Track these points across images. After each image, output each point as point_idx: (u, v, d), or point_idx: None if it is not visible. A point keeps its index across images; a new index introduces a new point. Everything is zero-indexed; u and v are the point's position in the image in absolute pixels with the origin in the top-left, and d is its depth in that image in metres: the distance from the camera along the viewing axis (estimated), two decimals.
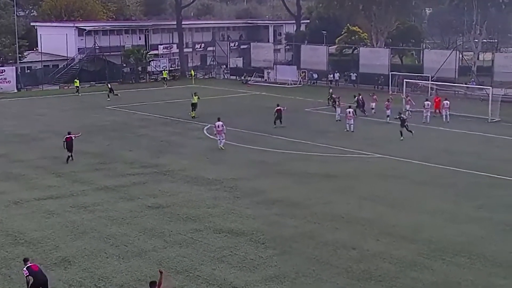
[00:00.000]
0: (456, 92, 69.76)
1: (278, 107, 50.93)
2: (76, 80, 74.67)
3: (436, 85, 67.29)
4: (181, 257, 23.48)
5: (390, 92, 70.89)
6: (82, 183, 34.09)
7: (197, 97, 55.02)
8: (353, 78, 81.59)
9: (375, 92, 57.64)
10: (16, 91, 76.03)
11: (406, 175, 35.76)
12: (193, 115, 54.03)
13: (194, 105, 54.53)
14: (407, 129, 45.10)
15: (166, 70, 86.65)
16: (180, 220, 27.75)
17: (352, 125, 48.75)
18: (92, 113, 58.78)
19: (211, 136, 45.90)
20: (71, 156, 38.81)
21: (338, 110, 53.33)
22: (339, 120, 52.44)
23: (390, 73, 75.40)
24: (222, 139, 42.57)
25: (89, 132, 48.83)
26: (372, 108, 55.41)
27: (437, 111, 55.51)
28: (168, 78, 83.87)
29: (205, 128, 49.79)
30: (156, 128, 50.91)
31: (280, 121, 49.87)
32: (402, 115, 45.84)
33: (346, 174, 36.00)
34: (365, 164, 38.80)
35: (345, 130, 48.80)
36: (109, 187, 33.21)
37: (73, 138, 39.11)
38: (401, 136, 44.97)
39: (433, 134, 48.73)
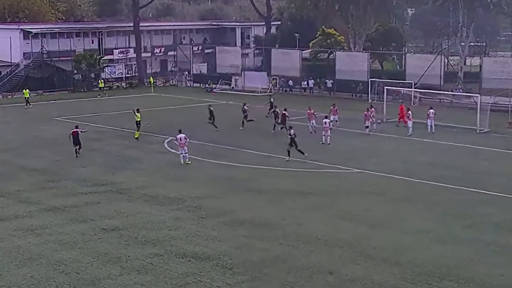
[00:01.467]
0: (442, 100, 70.45)
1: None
2: (25, 90, 72.90)
3: (420, 92, 68.11)
4: (140, 285, 23.34)
5: (370, 100, 71.52)
6: (28, 203, 33.76)
7: (139, 114, 51.58)
8: (329, 85, 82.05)
9: (335, 103, 57.66)
10: None
11: (387, 191, 35.98)
12: (137, 135, 50.89)
13: (138, 124, 51.16)
14: (296, 149, 43.74)
15: (102, 79, 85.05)
16: (139, 244, 27.59)
17: (328, 137, 49.00)
18: (40, 125, 58.30)
19: (172, 150, 45.79)
20: (79, 150, 44.43)
21: (313, 121, 53.56)
22: (314, 132, 52.67)
23: (369, 79, 75.96)
24: (185, 153, 42.54)
25: (35, 147, 48.55)
26: (336, 121, 55.48)
27: (401, 121, 56.17)
28: (104, 88, 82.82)
29: (166, 141, 49.65)
30: (111, 142, 50.66)
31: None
32: (291, 132, 44.23)
33: (322, 191, 36.11)
34: (343, 180, 38.97)
35: (321, 142, 49.02)
36: (58, 207, 32.92)
37: (80, 132, 44.47)
38: (288, 156, 43.54)
39: (417, 146, 49.18)
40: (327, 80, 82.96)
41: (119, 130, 55.47)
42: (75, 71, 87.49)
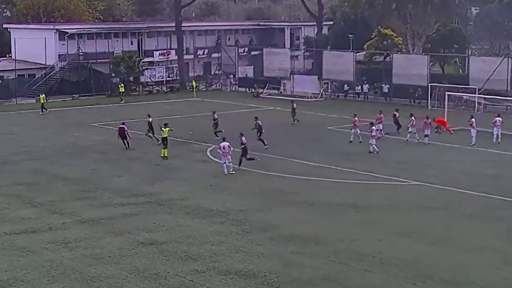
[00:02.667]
0: (509, 107, 69.61)
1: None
2: (41, 95, 73.91)
3: (484, 99, 67.40)
4: None
5: (430, 107, 70.99)
6: (62, 214, 34.10)
7: (167, 129, 48.38)
8: (385, 90, 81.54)
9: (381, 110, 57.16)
10: None
11: (448, 206, 35.60)
12: (165, 154, 47.43)
13: (165, 141, 47.83)
14: (246, 158, 44.11)
15: (121, 84, 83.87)
16: (179, 259, 27.67)
17: (374, 145, 48.68)
18: (75, 131, 58.96)
19: (216, 159, 45.92)
20: (128, 143, 50.30)
21: (357, 129, 53.00)
22: (359, 142, 52.19)
23: (429, 84, 75.40)
24: (229, 162, 42.64)
25: (70, 154, 49.09)
26: (381, 130, 54.92)
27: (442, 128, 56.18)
28: (123, 93, 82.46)
29: (209, 149, 49.82)
30: (151, 150, 50.97)
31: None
32: (242, 140, 44.38)
33: (376, 204, 35.87)
34: (399, 192, 38.68)
35: (375, 152, 48.70)
36: (94, 219, 33.20)
37: (126, 128, 50.12)
38: (239, 165, 43.79)
39: (481, 157, 48.58)
40: (383, 85, 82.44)
41: (159, 137, 55.71)
42: (113, 74, 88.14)
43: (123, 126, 51.02)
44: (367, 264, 27.13)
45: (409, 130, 53.25)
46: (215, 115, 56.32)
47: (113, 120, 64.21)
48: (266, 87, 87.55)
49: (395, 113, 57.10)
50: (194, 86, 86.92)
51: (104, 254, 28.25)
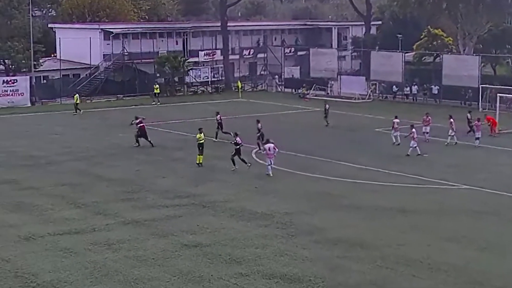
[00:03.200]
0: None
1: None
2: (75, 95, 74.46)
3: None
4: None
5: (481, 109, 70.30)
6: (106, 215, 34.37)
7: (203, 134, 46.77)
8: (435, 92, 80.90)
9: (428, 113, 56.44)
10: (29, 105, 77.44)
11: (500, 211, 35.21)
12: (200, 160, 45.79)
13: (200, 147, 46.08)
14: (239, 158, 44.18)
15: (156, 84, 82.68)
16: (223, 262, 27.73)
17: (416, 147, 48.19)
18: (119, 132, 59.39)
19: (261, 161, 45.95)
20: (150, 142, 51.49)
21: (397, 133, 52.59)
22: (398, 144, 51.79)
23: (480, 85, 74.68)
24: (272, 164, 42.66)
25: (114, 155, 49.44)
26: (427, 133, 54.46)
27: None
28: (159, 94, 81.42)
29: (254, 151, 49.87)
30: (194, 151, 51.02)
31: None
32: (236, 140, 44.53)
33: (425, 209, 35.60)
34: (448, 197, 38.34)
35: (424, 154, 48.30)
36: (137, 221, 33.42)
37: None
38: (233, 165, 44.18)
39: None
40: (432, 86, 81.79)
41: (233, 136, 55.94)
42: (158, 75, 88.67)
43: (143, 124, 52.40)
44: (414, 269, 26.92)
45: (449, 133, 52.71)
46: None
47: (157, 121, 64.56)
48: (312, 88, 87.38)
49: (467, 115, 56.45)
50: (240, 86, 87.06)
51: (147, 256, 28.41)
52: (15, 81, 78.04)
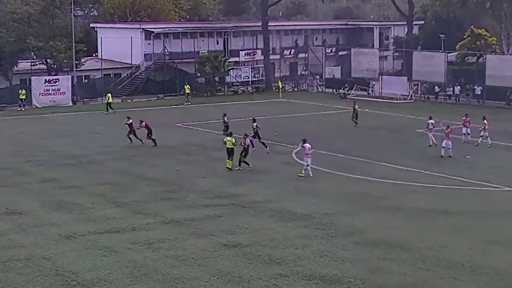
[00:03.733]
0: None
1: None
2: (108, 94, 75.37)
3: None
4: None
5: None
6: (146, 215, 34.59)
7: (233, 138, 45.05)
8: (478, 92, 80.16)
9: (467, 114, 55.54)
10: (71, 104, 78.26)
11: None
12: (229, 165, 44.64)
13: (230, 151, 44.78)
14: (243, 159, 44.55)
15: (187, 84, 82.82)
16: (262, 263, 27.75)
17: (450, 149, 47.80)
18: (159, 132, 59.58)
19: (301, 162, 45.91)
20: (154, 140, 51.35)
21: (432, 133, 52.11)
22: (435, 145, 51.31)
23: None
24: (307, 165, 42.66)
25: (154, 155, 49.68)
26: (468, 134, 53.79)
27: None
28: (189, 94, 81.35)
29: (294, 151, 49.83)
30: (235, 151, 51.20)
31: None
32: (246, 141, 44.68)
33: (467, 210, 35.36)
34: (491, 199, 38.02)
35: (467, 156, 47.91)
36: (177, 220, 33.57)
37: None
38: (248, 165, 44.33)
39: None
40: (475, 87, 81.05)
41: (243, 138, 56.02)
42: (198, 74, 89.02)
43: (145, 122, 53.25)
44: (456, 272, 26.73)
45: (481, 134, 52.22)
46: (226, 118, 56.46)
47: (198, 121, 64.87)
48: (353, 88, 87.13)
49: None
50: (280, 86, 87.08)
51: (187, 256, 28.53)
52: (57, 80, 78.81)
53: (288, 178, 42.42)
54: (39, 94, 76.99)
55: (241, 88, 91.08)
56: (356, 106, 62.40)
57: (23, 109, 73.48)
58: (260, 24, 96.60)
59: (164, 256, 28.52)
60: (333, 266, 27.24)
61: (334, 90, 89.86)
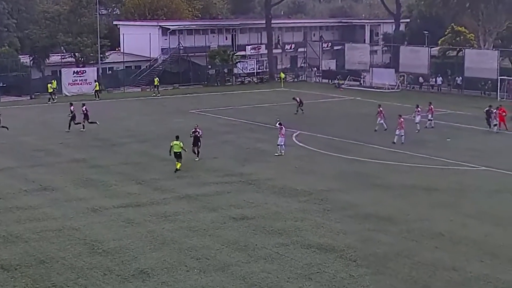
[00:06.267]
0: None
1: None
2: (156, 78, 76.21)
3: None
4: (266, 273, 23.54)
5: (499, 98, 69.41)
6: (163, 191, 34.66)
7: (179, 144, 39.31)
8: (459, 82, 79.83)
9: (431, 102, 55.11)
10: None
11: None
12: (178, 166, 39.06)
13: (179, 155, 39.26)
14: (197, 149, 41.84)
15: (157, 77, 79.27)
16: (266, 233, 27.82)
17: (402, 136, 47.01)
18: (175, 117, 59.66)
19: (301, 144, 45.92)
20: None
21: (381, 119, 51.81)
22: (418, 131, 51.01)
23: (498, 77, 73.69)
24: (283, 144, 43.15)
25: (171, 138, 49.56)
26: (431, 120, 53.67)
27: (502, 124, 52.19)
28: (159, 86, 78.24)
29: (294, 135, 49.80)
30: (242, 135, 51.26)
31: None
32: (197, 131, 42.16)
33: (448, 188, 35.32)
34: (470, 177, 37.98)
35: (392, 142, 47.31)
36: (191, 196, 33.63)
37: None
38: (197, 155, 41.64)
39: None
40: (457, 77, 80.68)
41: (250, 123, 56.06)
42: (209, 66, 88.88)
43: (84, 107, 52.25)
44: (437, 242, 26.78)
45: (429, 118, 53.11)
46: (72, 108, 53.38)
47: (209, 108, 64.81)
48: (347, 79, 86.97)
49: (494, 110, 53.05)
50: (282, 77, 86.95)
51: (199, 227, 28.60)
52: (84, 71, 78.76)
53: (289, 159, 42.41)
54: (68, 84, 76.90)
55: (247, 79, 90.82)
56: (298, 99, 61.85)
57: (50, 103, 71.46)
58: (264, 22, 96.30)
59: (179, 227, 28.61)
60: (329, 237, 27.30)
61: (330, 81, 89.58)
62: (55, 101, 70.01)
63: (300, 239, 27.05)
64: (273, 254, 25.35)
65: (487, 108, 52.43)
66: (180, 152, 38.85)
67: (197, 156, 41.69)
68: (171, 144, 39.08)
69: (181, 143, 39.00)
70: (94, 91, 73.52)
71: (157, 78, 78.69)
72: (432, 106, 54.06)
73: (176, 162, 38.95)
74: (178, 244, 26.55)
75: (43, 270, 23.95)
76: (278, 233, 27.82)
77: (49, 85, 71.52)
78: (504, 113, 52.34)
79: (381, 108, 52.36)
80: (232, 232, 28.04)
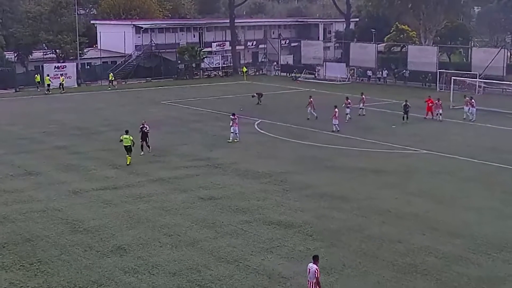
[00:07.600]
0: (504, 90, 68.46)
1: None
2: (110, 73, 76.63)
3: (484, 83, 66.44)
4: (232, 247, 23.56)
5: (438, 89, 70.13)
6: (138, 174, 34.46)
7: (129, 137, 36.91)
8: (406, 75, 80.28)
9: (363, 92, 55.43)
10: (76, 86, 77.34)
11: (453, 171, 35.20)
12: (128, 161, 36.84)
13: (129, 149, 36.89)
14: (146, 144, 39.39)
15: (111, 73, 78.16)
16: (231, 212, 27.84)
17: (336, 125, 46.85)
18: (148, 108, 59.30)
19: (262, 131, 45.95)
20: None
21: (310, 108, 52.02)
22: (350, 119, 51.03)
23: (438, 70, 74.50)
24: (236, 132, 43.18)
25: None
26: (362, 108, 53.85)
27: (429, 113, 52.42)
28: (114, 81, 77.52)
29: (256, 123, 49.80)
30: (209, 123, 51.14)
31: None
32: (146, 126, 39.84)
33: (394, 170, 35.62)
34: (413, 160, 38.34)
35: (332, 130, 47.45)
36: (163, 178, 33.50)
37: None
38: (142, 150, 38.94)
39: (481, 131, 47.92)
40: (404, 71, 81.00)
41: (216, 113, 55.94)
42: (179, 61, 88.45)
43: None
44: (384, 217, 27.04)
45: (360, 106, 53.07)
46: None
47: (179, 99, 64.47)
48: (303, 72, 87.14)
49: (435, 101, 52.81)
50: (245, 71, 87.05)
51: (171, 207, 28.54)
52: (65, 66, 77.88)
53: (251, 145, 42.41)
54: (50, 78, 75.89)
55: (213, 73, 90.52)
56: (255, 94, 61.88)
57: (38, 90, 72.18)
58: (228, 21, 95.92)
59: (153, 207, 28.51)
60: (288, 214, 27.41)
61: (288, 74, 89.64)
62: (49, 92, 69.63)
63: (262, 216, 27.12)
64: (238, 230, 25.39)
65: (404, 103, 52.25)
66: (130, 145, 36.58)
67: (142, 151, 38.90)
68: (121, 138, 36.87)
69: (131, 137, 36.77)
70: (59, 84, 72.77)
71: (111, 74, 78.17)
72: (364, 96, 54.44)
73: (127, 156, 36.65)
74: (152, 222, 26.47)
75: (29, 248, 23.74)
76: (242, 211, 27.86)
77: (36, 76, 70.93)
78: (431, 103, 52.63)
79: (311, 99, 52.49)
80: (201, 211, 28.02)
